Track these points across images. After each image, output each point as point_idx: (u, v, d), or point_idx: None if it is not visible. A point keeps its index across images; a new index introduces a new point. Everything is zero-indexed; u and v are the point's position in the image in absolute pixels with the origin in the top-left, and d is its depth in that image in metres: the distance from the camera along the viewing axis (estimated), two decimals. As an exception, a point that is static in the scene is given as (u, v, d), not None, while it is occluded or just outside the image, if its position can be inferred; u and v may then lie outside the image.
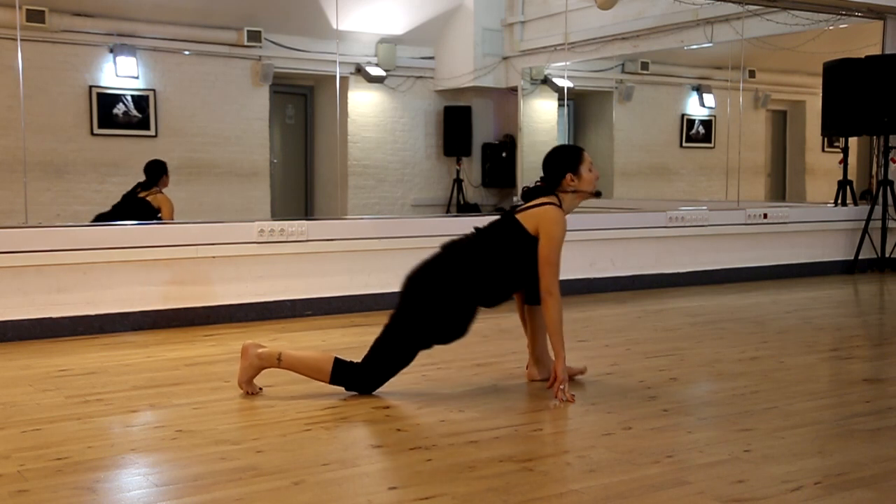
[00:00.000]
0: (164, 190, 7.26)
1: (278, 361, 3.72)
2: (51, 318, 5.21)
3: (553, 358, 3.77)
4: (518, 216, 3.81)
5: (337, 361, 3.72)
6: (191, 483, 2.73)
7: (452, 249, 3.83)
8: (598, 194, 3.96)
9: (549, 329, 3.76)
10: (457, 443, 3.11)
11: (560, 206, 3.81)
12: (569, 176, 3.84)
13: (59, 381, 4.11)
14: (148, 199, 7.14)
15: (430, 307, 3.71)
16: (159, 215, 7.06)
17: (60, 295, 5.24)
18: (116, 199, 7.47)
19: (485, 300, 3.82)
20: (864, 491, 2.63)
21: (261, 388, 3.80)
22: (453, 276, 3.72)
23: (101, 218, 7.22)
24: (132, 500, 2.62)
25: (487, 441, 3.13)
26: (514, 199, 11.53)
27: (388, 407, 3.58)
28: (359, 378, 3.72)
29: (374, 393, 3.75)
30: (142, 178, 7.28)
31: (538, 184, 3.91)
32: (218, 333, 5.34)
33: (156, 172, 7.31)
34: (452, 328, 3.76)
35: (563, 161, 3.88)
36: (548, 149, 4.02)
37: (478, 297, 3.78)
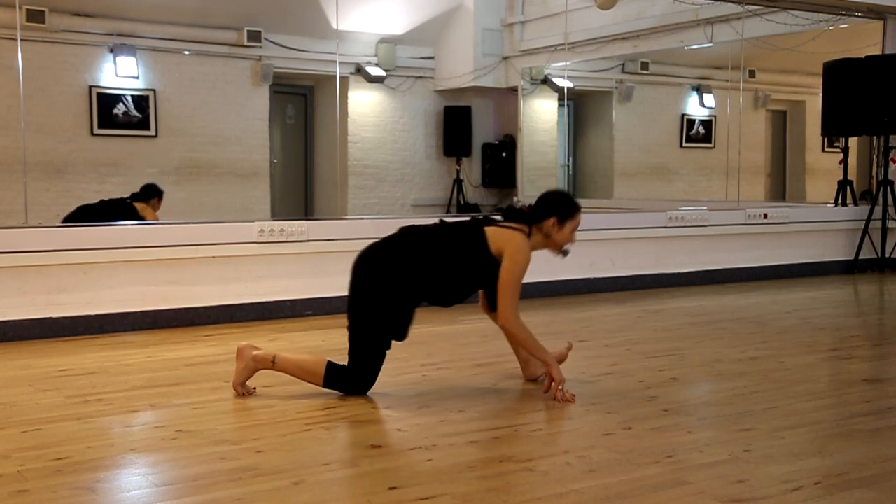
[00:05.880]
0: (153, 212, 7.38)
1: (273, 364, 3.72)
2: (51, 318, 5.21)
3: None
4: (487, 230, 3.75)
5: (330, 365, 3.71)
6: (191, 483, 2.74)
7: (410, 236, 3.78)
8: (565, 253, 3.87)
9: (524, 348, 3.78)
10: (457, 443, 3.11)
11: (528, 237, 3.77)
12: (553, 220, 3.77)
13: (59, 381, 4.11)
14: (136, 205, 7.17)
15: (379, 299, 3.64)
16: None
17: (61, 295, 5.24)
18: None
19: (433, 299, 3.78)
20: (864, 491, 2.63)
21: (254, 389, 3.79)
22: (404, 266, 3.66)
23: (84, 209, 7.23)
24: (132, 500, 2.62)
25: (487, 441, 3.13)
26: (515, 198, 11.53)
27: (388, 407, 3.58)
28: (350, 381, 3.72)
29: (373, 393, 3.75)
30: (141, 178, 7.32)
31: (523, 209, 3.86)
32: (218, 333, 5.34)
33: (149, 193, 7.51)
34: (396, 322, 3.69)
35: (558, 206, 3.80)
36: (548, 149, 4.01)
37: (425, 293, 3.73)
